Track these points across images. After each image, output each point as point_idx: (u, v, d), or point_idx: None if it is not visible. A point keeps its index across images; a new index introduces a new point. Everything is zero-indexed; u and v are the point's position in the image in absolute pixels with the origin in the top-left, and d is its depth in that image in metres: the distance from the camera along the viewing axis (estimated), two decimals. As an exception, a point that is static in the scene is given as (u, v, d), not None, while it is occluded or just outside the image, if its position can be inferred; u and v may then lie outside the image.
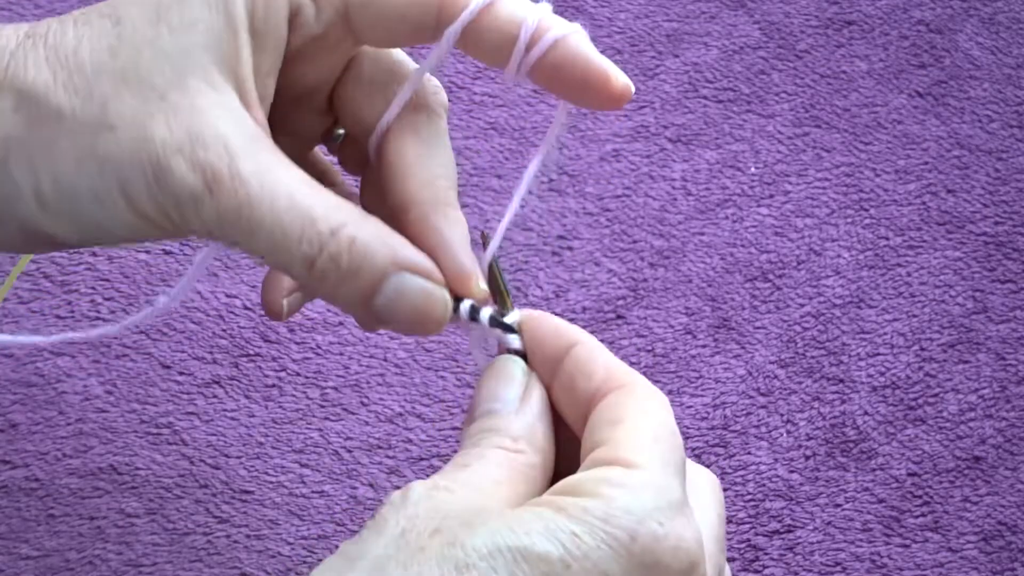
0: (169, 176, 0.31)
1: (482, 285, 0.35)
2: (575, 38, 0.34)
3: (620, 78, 0.34)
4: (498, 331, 0.36)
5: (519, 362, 0.35)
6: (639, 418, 0.32)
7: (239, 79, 0.32)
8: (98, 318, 0.57)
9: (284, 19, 0.33)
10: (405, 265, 0.33)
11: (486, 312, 0.35)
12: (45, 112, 0.32)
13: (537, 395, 0.34)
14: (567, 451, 0.35)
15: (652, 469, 0.30)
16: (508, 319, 0.36)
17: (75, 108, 0.31)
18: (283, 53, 0.34)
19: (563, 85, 0.35)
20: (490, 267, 0.36)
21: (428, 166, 0.36)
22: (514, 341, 0.36)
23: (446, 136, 0.37)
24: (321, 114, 0.39)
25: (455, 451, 0.56)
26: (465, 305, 0.35)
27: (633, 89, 0.35)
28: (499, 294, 0.36)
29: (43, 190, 0.32)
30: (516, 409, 0.34)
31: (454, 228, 0.36)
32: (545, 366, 0.35)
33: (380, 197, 0.37)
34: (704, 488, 0.34)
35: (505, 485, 0.31)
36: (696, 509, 0.32)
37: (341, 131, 0.41)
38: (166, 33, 0.32)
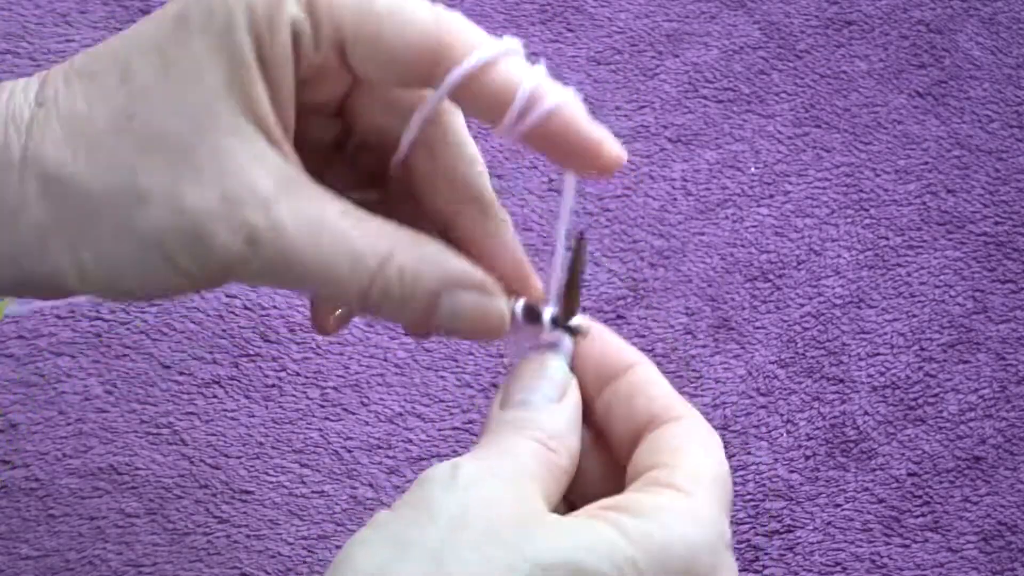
0: (212, 243, 0.30)
1: (539, 284, 0.36)
2: (569, 108, 0.33)
3: (612, 149, 0.33)
4: (557, 332, 0.35)
5: (562, 363, 0.35)
6: (700, 453, 0.32)
7: (260, 118, 0.31)
8: (98, 318, 0.57)
9: (288, 44, 0.32)
10: (456, 283, 0.33)
11: (548, 312, 0.35)
12: (73, 194, 0.31)
13: (575, 401, 0.34)
14: (586, 468, 0.34)
15: (708, 502, 0.30)
16: (572, 323, 0.35)
17: (104, 185, 0.31)
18: (294, 78, 0.33)
19: (554, 152, 0.34)
20: (571, 266, 0.35)
21: (461, 168, 0.36)
22: (567, 344, 0.35)
23: (466, 130, 0.36)
24: (331, 119, 0.38)
25: (455, 452, 0.57)
26: (519, 307, 0.35)
27: (626, 158, 0.34)
28: (571, 296, 0.35)
29: (85, 268, 0.31)
30: (556, 406, 0.33)
31: (503, 228, 0.36)
32: (595, 379, 0.35)
33: (411, 206, 0.37)
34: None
35: (539, 482, 0.31)
36: None
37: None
38: (177, 86, 0.31)
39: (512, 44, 0.33)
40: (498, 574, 0.27)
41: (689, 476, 0.31)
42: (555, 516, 0.29)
